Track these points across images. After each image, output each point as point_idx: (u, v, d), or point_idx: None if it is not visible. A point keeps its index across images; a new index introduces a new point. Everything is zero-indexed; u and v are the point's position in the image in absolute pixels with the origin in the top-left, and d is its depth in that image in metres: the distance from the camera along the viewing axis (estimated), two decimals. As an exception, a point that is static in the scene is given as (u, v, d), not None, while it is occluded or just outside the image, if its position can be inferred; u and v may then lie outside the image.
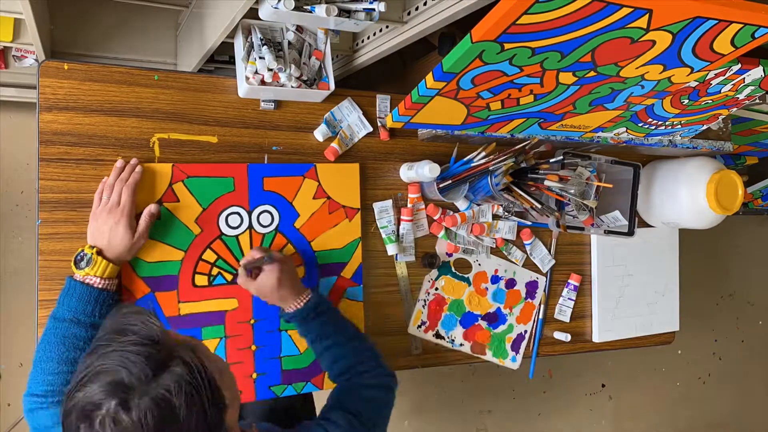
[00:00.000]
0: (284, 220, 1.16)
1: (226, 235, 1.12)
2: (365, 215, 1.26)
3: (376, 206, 1.26)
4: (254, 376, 1.14)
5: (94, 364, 0.66)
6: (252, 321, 1.14)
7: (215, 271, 1.11)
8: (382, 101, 1.27)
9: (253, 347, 1.14)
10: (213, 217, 1.11)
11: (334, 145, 1.21)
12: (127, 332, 0.68)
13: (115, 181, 1.02)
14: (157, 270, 1.07)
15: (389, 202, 1.27)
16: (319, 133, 1.21)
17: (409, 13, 1.12)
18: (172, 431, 0.64)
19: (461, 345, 1.36)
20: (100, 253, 0.98)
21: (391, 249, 1.26)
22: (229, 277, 1.12)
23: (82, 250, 0.98)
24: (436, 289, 1.33)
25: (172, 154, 1.10)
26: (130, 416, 0.63)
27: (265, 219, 1.15)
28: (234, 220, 1.12)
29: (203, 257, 1.10)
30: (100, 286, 0.96)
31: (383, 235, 1.26)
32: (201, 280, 1.10)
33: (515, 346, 1.42)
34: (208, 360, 0.70)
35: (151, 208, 1.03)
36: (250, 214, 1.14)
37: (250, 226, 1.14)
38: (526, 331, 1.43)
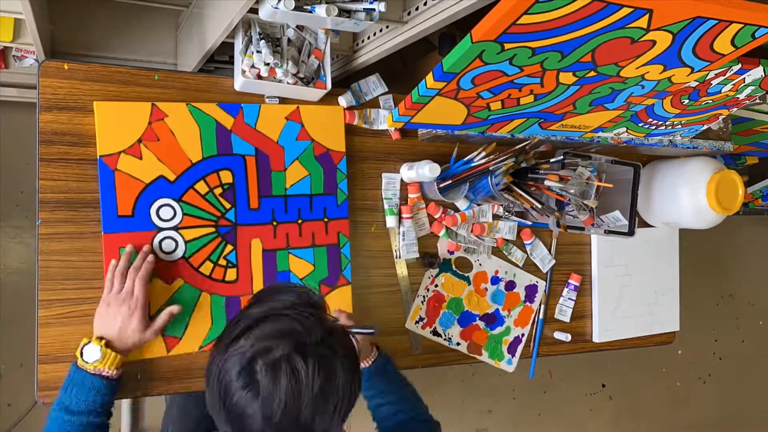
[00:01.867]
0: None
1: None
2: (365, 215, 1.26)
3: (384, 177, 1.27)
4: None
5: (264, 319, 0.70)
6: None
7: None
8: (386, 101, 1.28)
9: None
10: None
11: (355, 112, 1.24)
12: (294, 298, 0.73)
13: (126, 268, 1.01)
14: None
15: (397, 175, 1.28)
16: (344, 100, 1.22)
17: (409, 13, 1.12)
18: (330, 390, 0.69)
19: (458, 344, 1.36)
20: (108, 344, 0.97)
21: (390, 221, 1.26)
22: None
23: (89, 342, 0.96)
24: (436, 285, 1.33)
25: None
26: (306, 365, 0.67)
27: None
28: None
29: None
30: (115, 376, 0.96)
31: (386, 206, 1.27)
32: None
33: (512, 349, 1.42)
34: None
35: (173, 309, 1.03)
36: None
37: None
38: (523, 335, 1.43)
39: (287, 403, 0.66)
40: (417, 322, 1.31)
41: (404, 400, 1.09)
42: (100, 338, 0.97)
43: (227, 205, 1.12)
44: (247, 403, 0.67)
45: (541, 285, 1.45)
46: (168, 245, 1.08)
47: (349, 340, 0.76)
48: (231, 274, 1.13)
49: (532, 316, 1.44)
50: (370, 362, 1.09)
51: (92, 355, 0.95)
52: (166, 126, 1.08)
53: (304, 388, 0.67)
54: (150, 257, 1.03)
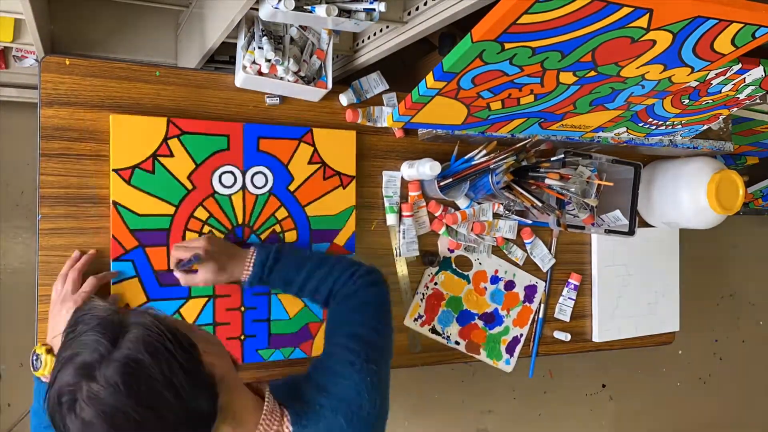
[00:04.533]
0: (278, 182, 1.16)
1: (219, 193, 1.12)
2: (365, 213, 1.26)
3: (385, 174, 1.27)
4: (242, 337, 1.14)
5: (58, 361, 0.68)
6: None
7: (206, 229, 1.11)
8: (390, 98, 1.28)
9: (242, 308, 1.14)
10: (206, 174, 1.11)
11: (358, 110, 1.23)
12: (77, 323, 0.69)
13: (68, 270, 1.00)
14: (148, 223, 1.07)
15: (397, 173, 1.28)
16: (344, 98, 1.22)
17: (409, 13, 1.12)
18: (147, 384, 0.65)
19: (456, 343, 1.36)
20: (51, 350, 0.93)
21: (391, 219, 1.26)
22: (221, 236, 1.12)
23: (35, 351, 0.93)
24: (435, 283, 1.33)
25: (172, 154, 1.10)
26: (101, 386, 0.63)
27: (259, 180, 1.15)
28: (228, 179, 1.12)
29: (195, 214, 1.10)
30: None
31: (386, 204, 1.27)
32: (192, 237, 1.10)
33: (510, 349, 1.42)
34: (164, 316, 0.71)
35: (102, 275, 1.01)
36: (244, 174, 1.13)
37: (244, 186, 1.13)
38: (522, 335, 1.43)
39: (112, 424, 0.63)
40: (416, 320, 1.32)
41: (310, 278, 1.03)
42: (44, 345, 0.94)
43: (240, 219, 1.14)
44: None
45: (541, 285, 1.45)
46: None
47: (148, 318, 0.70)
48: None
49: (531, 316, 1.44)
50: (250, 269, 1.04)
51: (37, 364, 0.92)
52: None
53: (114, 404, 0.63)
54: (91, 251, 1.03)
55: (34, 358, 0.93)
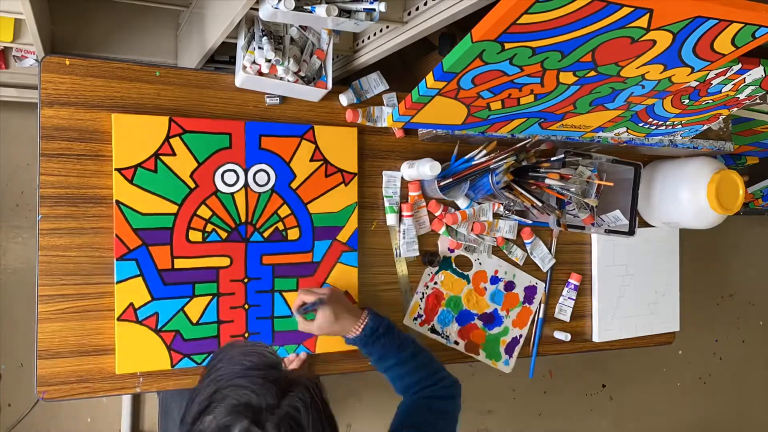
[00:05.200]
0: (280, 180, 1.16)
1: (221, 191, 1.12)
2: (365, 213, 1.26)
3: (385, 174, 1.27)
4: (246, 335, 1.15)
5: (219, 392, 0.70)
6: (246, 280, 1.14)
7: (209, 227, 1.12)
8: (390, 98, 1.28)
9: (246, 306, 1.15)
10: (209, 173, 1.11)
11: (358, 110, 1.23)
12: (246, 362, 0.73)
13: None
14: (151, 222, 1.07)
15: (397, 173, 1.28)
16: (344, 98, 1.22)
17: (409, 13, 1.12)
18: None
19: (456, 343, 1.36)
20: None
21: (391, 219, 1.26)
22: (224, 235, 1.13)
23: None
24: (435, 283, 1.33)
25: (172, 154, 1.10)
26: (265, 429, 0.66)
27: (261, 178, 1.15)
28: (230, 178, 1.13)
29: (198, 213, 1.11)
30: None
31: (386, 204, 1.27)
32: (195, 236, 1.11)
33: (509, 350, 1.42)
34: (323, 389, 0.76)
35: None
36: (246, 172, 1.14)
37: (246, 185, 1.14)
38: (521, 336, 1.43)
39: None
40: (415, 319, 1.32)
41: (404, 362, 1.09)
42: None
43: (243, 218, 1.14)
44: None
45: (541, 286, 1.45)
46: None
47: (312, 384, 0.74)
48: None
49: (531, 317, 1.44)
50: (359, 330, 1.10)
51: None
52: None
53: None
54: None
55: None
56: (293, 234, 1.18)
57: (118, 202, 1.05)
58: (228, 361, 0.74)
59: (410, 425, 0.99)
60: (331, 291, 1.12)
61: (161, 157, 1.08)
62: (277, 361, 0.75)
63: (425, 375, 1.08)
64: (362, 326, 1.10)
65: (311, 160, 1.19)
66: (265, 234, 1.16)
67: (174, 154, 1.08)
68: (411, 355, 1.10)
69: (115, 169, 1.05)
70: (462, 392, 1.10)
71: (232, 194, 1.13)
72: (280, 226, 1.17)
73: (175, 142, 1.08)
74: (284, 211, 1.17)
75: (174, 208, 1.09)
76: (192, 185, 1.10)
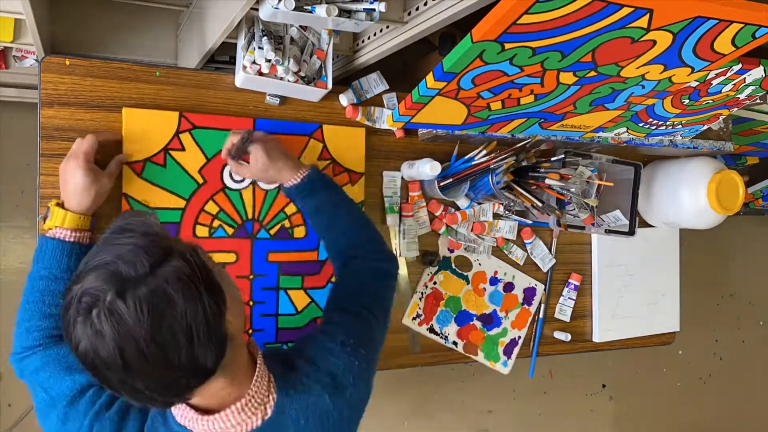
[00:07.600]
0: None
1: (229, 188, 1.12)
2: (365, 213, 1.26)
3: (386, 175, 1.27)
4: (250, 332, 1.15)
5: (92, 260, 0.66)
6: (251, 276, 1.14)
7: (216, 223, 1.12)
8: (390, 99, 1.28)
9: (251, 303, 1.14)
10: (217, 169, 1.11)
11: (358, 107, 1.24)
12: (125, 229, 0.68)
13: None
14: (158, 217, 1.07)
15: (398, 173, 1.28)
16: (344, 98, 1.23)
17: (409, 14, 1.12)
18: (168, 322, 0.64)
19: (454, 343, 1.36)
20: (61, 204, 0.95)
21: (391, 219, 1.26)
22: (230, 231, 1.13)
23: (48, 206, 0.95)
24: (435, 283, 1.33)
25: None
26: (127, 306, 0.63)
27: None
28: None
29: (205, 208, 1.11)
30: (70, 239, 0.93)
31: (386, 204, 1.27)
32: (202, 231, 1.11)
33: (507, 351, 1.42)
34: (207, 259, 0.70)
35: (122, 156, 1.03)
36: None
37: (254, 182, 1.14)
38: (519, 337, 1.43)
39: (121, 347, 0.63)
40: (414, 319, 1.32)
41: (341, 221, 1.04)
42: (59, 202, 0.96)
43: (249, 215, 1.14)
44: (86, 350, 0.64)
45: (540, 288, 1.45)
46: None
47: (190, 251, 0.68)
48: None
49: (530, 318, 1.44)
50: (299, 178, 1.04)
51: (47, 218, 0.95)
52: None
53: (132, 329, 0.63)
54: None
55: (47, 212, 0.95)
56: (299, 232, 1.18)
57: (126, 195, 1.05)
58: (110, 229, 0.70)
59: (339, 308, 0.94)
60: (266, 134, 1.06)
61: (170, 151, 1.08)
62: (155, 228, 0.69)
63: (361, 244, 1.02)
64: (303, 175, 1.04)
65: (319, 158, 1.19)
66: (272, 231, 1.16)
67: (183, 149, 1.09)
68: (352, 219, 1.04)
69: (124, 163, 1.05)
70: (398, 269, 1.03)
71: (239, 191, 1.13)
72: (287, 223, 1.17)
73: (185, 137, 1.09)
74: (291, 209, 1.17)
75: (182, 203, 1.09)
76: (200, 181, 1.10)
